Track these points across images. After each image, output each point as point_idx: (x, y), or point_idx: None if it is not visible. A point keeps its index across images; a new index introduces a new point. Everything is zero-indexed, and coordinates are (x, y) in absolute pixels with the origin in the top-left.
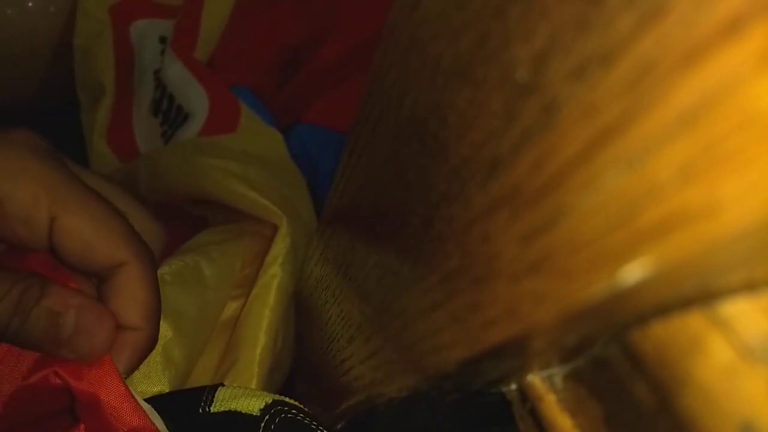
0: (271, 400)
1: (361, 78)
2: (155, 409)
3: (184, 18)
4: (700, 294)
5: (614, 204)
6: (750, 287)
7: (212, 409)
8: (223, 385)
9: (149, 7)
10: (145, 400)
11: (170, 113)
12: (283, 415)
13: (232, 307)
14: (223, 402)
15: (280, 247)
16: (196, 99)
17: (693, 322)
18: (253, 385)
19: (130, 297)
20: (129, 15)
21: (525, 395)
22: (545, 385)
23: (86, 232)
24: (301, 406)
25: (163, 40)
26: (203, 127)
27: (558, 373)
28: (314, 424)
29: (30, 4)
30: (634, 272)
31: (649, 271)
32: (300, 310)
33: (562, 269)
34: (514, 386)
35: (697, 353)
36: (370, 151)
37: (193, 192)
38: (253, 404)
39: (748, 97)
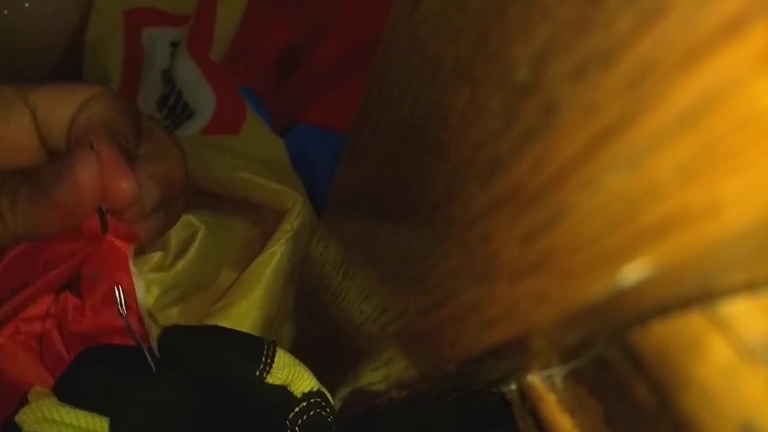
0: (316, 388)
1: (360, 78)
2: (215, 339)
3: (198, 20)
4: (700, 294)
5: (614, 204)
6: (750, 287)
7: (269, 379)
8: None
9: (163, 17)
10: (203, 326)
11: (176, 109)
12: (318, 410)
13: (231, 278)
14: (281, 369)
15: (291, 224)
16: (203, 98)
17: (693, 322)
18: None
19: (92, 113)
20: (142, 22)
21: (525, 395)
22: (545, 385)
23: (58, 90)
24: (334, 407)
25: (174, 44)
26: (207, 125)
27: (558, 373)
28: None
29: (27, 5)
30: (634, 272)
31: (649, 271)
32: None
33: (562, 269)
34: (514, 386)
35: (697, 353)
36: (370, 151)
37: (197, 182)
38: (303, 383)
39: (748, 97)
